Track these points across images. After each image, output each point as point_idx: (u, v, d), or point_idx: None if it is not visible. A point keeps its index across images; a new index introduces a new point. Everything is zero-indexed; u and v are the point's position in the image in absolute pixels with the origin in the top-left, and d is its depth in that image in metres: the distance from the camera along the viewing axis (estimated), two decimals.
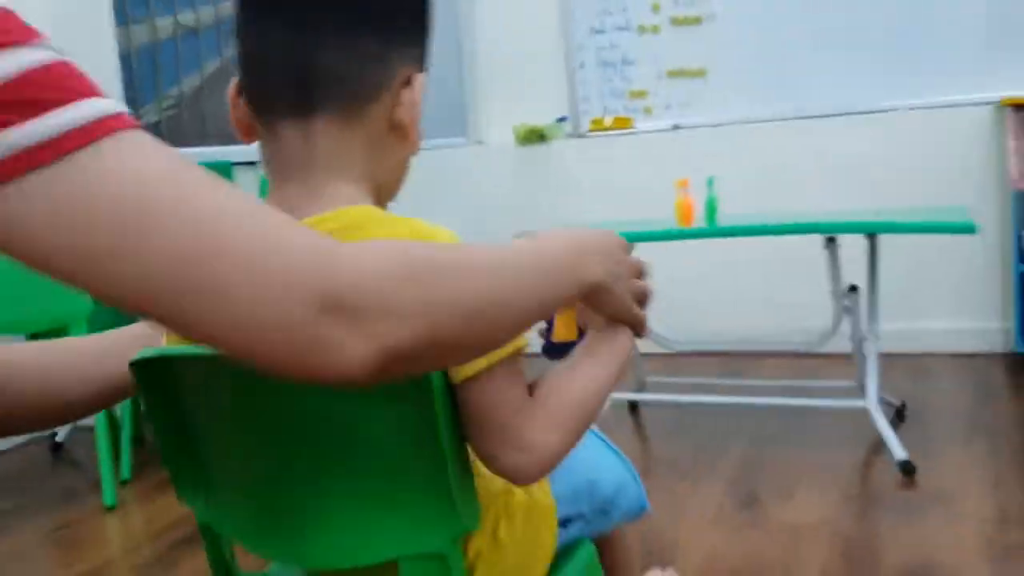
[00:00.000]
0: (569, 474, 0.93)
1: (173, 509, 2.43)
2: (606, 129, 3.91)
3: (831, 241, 2.56)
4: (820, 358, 3.31)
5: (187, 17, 3.56)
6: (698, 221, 2.59)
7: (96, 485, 2.56)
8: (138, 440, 2.94)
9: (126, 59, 4.21)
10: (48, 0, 3.49)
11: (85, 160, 0.45)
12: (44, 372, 0.81)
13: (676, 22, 3.72)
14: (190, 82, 4.07)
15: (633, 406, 2.97)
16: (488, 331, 0.57)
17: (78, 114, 0.45)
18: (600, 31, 3.85)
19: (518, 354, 0.70)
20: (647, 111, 3.83)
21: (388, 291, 0.49)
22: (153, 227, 0.45)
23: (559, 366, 0.77)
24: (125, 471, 2.67)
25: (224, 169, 3.74)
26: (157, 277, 0.46)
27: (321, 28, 0.73)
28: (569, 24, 3.89)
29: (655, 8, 3.75)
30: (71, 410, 0.83)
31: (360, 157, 0.76)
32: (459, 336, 0.54)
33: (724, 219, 2.61)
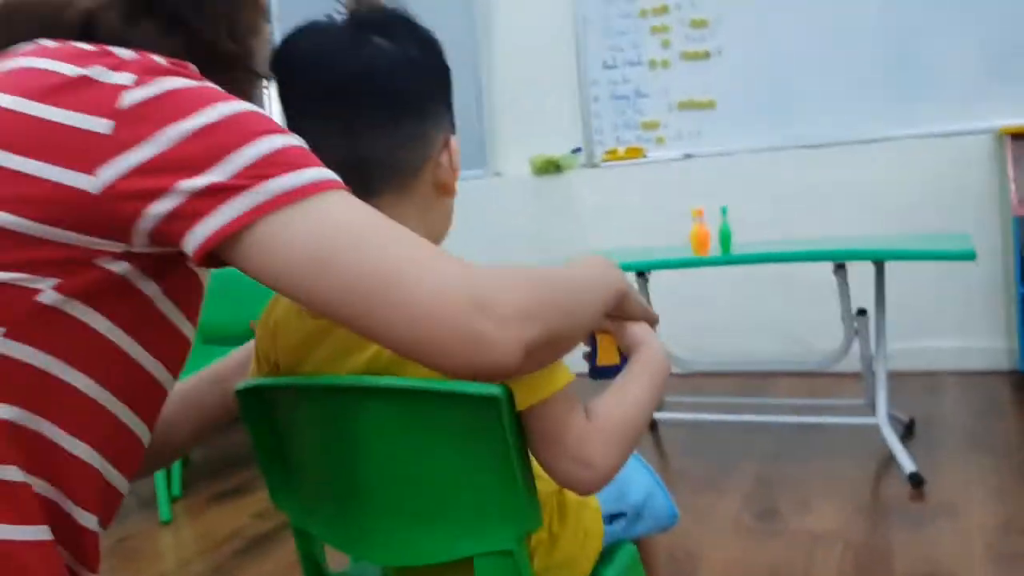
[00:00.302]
0: None
1: (223, 523, 2.56)
2: (620, 159, 4.02)
3: (840, 268, 2.64)
4: (831, 377, 3.40)
5: None
6: (713, 249, 2.68)
7: (147, 502, 2.69)
8: (185, 461, 3.08)
9: None
10: None
11: (308, 207, 0.63)
12: (200, 405, 0.94)
13: (685, 56, 3.85)
14: None
15: (653, 424, 3.07)
16: (575, 328, 0.72)
17: (307, 176, 0.64)
18: (612, 66, 3.98)
19: (568, 385, 0.81)
20: (659, 141, 3.95)
21: (522, 299, 0.64)
22: (349, 257, 0.61)
23: (608, 389, 0.88)
24: (176, 488, 2.80)
25: None
26: (350, 293, 0.61)
27: (365, 125, 0.84)
28: (583, 60, 4.02)
29: (665, 44, 3.88)
30: (193, 439, 0.97)
31: (416, 221, 0.87)
32: (564, 332, 0.69)
33: (737, 247, 2.70)
